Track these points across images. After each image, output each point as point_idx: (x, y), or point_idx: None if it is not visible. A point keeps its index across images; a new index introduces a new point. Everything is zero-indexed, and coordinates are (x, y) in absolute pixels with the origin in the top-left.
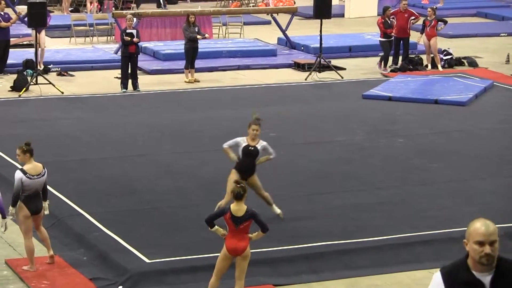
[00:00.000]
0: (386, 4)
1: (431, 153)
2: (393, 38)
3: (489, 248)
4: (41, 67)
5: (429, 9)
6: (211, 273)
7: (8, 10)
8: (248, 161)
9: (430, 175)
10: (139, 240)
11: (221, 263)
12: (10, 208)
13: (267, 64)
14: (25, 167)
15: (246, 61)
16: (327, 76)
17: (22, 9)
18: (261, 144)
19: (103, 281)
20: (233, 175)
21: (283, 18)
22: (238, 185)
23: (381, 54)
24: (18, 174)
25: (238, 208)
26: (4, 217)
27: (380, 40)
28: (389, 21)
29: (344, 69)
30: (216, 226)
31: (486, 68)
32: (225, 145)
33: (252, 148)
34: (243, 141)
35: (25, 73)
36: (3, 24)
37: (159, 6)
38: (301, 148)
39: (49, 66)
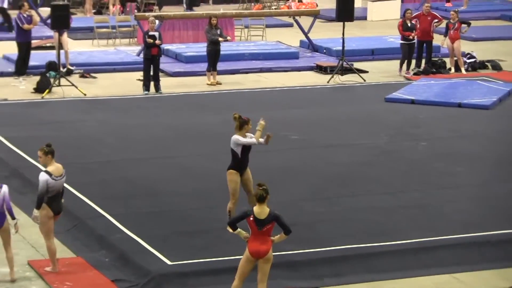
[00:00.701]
0: (409, 7)
1: (454, 156)
2: (414, 41)
3: None
4: (67, 68)
5: (452, 12)
6: (233, 275)
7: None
8: (247, 157)
9: (453, 179)
10: (161, 242)
11: (243, 266)
12: (35, 210)
13: (289, 66)
14: (49, 169)
15: (268, 63)
16: (350, 79)
17: (45, 11)
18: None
19: (125, 282)
20: (234, 176)
21: (305, 21)
22: (260, 188)
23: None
24: (44, 176)
25: (261, 211)
26: (13, 218)
27: (400, 43)
28: (408, 24)
29: (367, 72)
30: (238, 229)
31: (510, 72)
32: (256, 141)
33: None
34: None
35: (48, 75)
36: (26, 26)
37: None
38: (323, 151)
39: (72, 68)
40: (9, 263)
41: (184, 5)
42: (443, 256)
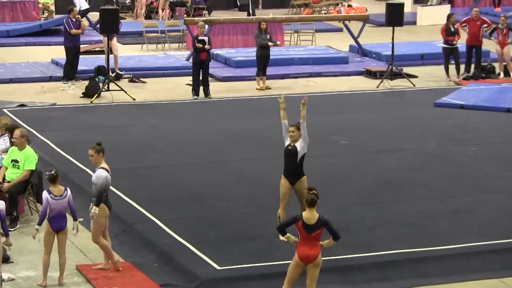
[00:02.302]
0: (458, 11)
1: (503, 161)
2: (456, 45)
3: None
4: (116, 73)
5: (501, 17)
6: (282, 280)
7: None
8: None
9: (502, 184)
10: (209, 246)
11: (292, 270)
12: (95, 208)
13: (338, 71)
14: (105, 166)
15: (318, 68)
16: (399, 84)
17: (95, 15)
18: (299, 143)
19: (174, 287)
20: (283, 181)
21: (355, 26)
22: (311, 192)
23: (452, 62)
24: (104, 173)
25: (310, 216)
26: (75, 219)
27: (442, 47)
28: (452, 29)
29: (416, 77)
30: (287, 234)
31: None
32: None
33: (291, 147)
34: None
35: (97, 79)
36: (74, 31)
37: (249, 14)
38: (373, 156)
39: (121, 73)
40: (61, 268)
41: (250, 10)
42: (492, 261)
